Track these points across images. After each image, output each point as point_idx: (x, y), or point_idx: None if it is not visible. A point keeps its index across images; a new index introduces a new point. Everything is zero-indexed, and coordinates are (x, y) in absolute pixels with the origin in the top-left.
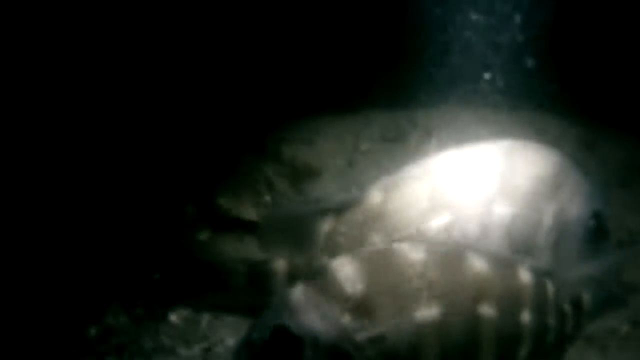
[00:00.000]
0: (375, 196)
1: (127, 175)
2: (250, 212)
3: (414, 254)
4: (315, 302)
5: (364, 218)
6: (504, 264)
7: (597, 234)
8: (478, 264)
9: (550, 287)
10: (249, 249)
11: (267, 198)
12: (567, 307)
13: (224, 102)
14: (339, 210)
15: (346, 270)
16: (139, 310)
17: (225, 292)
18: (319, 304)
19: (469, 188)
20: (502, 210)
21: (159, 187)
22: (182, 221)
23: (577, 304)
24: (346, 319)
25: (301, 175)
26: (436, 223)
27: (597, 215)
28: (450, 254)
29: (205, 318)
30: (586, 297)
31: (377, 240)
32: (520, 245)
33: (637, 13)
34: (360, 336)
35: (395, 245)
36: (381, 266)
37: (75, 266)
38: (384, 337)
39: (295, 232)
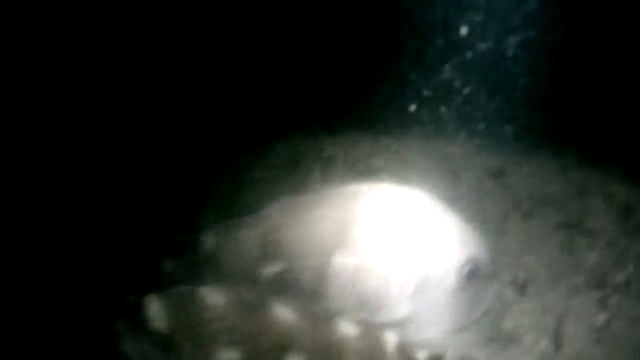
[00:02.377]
0: (209, 241)
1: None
2: None
3: (214, 298)
4: (133, 334)
5: (199, 261)
6: (316, 316)
7: (473, 280)
8: (283, 314)
9: (390, 340)
10: None
11: None
12: None
13: None
14: (177, 252)
15: (153, 308)
16: None
17: None
18: (136, 336)
19: (306, 237)
20: (342, 261)
21: None
22: None
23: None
24: (156, 354)
25: None
26: (268, 271)
27: (471, 261)
28: (252, 302)
29: None
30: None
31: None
32: (369, 296)
33: None
34: None
35: (199, 288)
36: (184, 306)
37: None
38: None
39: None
